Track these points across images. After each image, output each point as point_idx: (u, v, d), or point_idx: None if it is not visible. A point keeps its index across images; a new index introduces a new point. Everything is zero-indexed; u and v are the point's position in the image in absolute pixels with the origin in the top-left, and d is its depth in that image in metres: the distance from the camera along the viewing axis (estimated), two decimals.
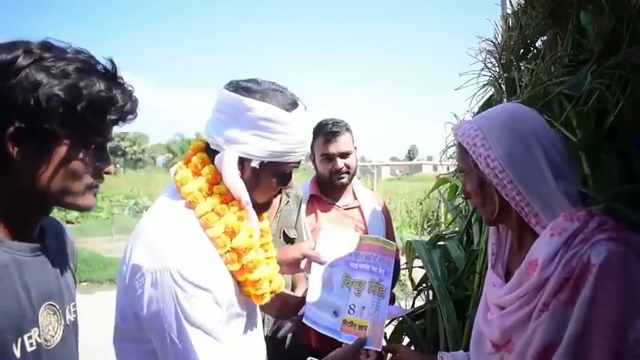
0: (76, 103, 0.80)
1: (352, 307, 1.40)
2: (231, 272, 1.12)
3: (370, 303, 1.39)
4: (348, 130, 2.17)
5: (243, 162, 1.11)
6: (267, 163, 1.12)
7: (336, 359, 1.29)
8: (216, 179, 1.12)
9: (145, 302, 1.00)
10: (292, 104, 1.13)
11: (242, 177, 1.11)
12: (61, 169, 0.83)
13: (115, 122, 0.89)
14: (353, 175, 2.25)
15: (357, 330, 1.36)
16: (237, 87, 1.12)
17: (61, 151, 0.83)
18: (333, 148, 2.13)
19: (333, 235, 1.57)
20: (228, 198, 1.12)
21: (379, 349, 1.40)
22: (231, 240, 1.09)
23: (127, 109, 0.89)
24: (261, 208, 1.20)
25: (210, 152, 1.15)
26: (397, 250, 1.51)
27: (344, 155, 2.15)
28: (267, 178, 1.14)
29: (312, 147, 2.22)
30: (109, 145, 0.94)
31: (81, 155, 0.85)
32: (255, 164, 1.11)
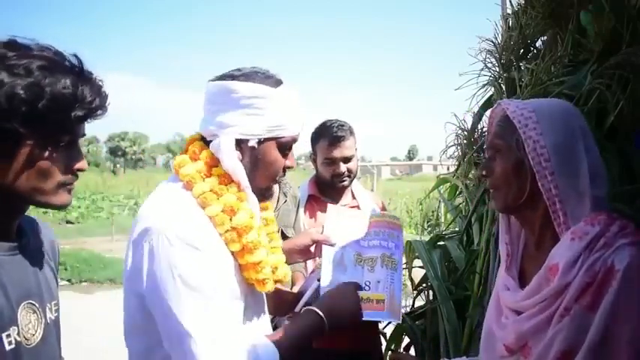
0: (38, 102, 0.79)
1: (367, 283, 1.40)
2: (233, 255, 1.11)
3: (385, 276, 1.40)
4: (352, 133, 2.17)
5: (240, 145, 1.12)
6: (265, 139, 1.12)
7: (334, 299, 1.28)
8: (215, 162, 1.12)
9: (144, 274, 1.00)
10: (277, 82, 1.14)
11: (242, 161, 1.12)
12: (29, 168, 0.82)
13: (83, 119, 0.87)
14: (354, 178, 2.25)
15: (374, 305, 1.36)
16: (220, 77, 1.15)
17: (26, 150, 0.81)
18: (337, 153, 2.13)
19: (339, 217, 1.60)
20: (227, 180, 1.12)
21: (399, 321, 1.43)
22: (230, 219, 1.08)
23: (94, 105, 0.86)
24: (263, 194, 1.19)
25: (206, 142, 1.16)
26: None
27: (347, 160, 2.15)
28: (269, 154, 1.14)
29: (314, 148, 2.22)
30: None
31: (48, 154, 0.83)
32: (252, 143, 1.11)
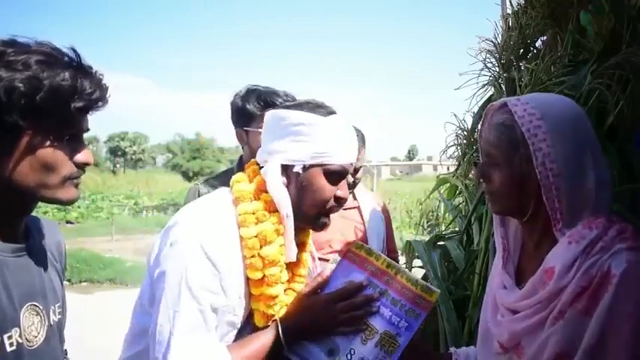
0: (36, 94, 0.79)
1: (352, 352, 1.10)
2: (247, 283, 1.10)
3: (373, 358, 1.08)
4: (364, 143, 2.16)
5: (287, 170, 1.13)
6: (310, 166, 1.12)
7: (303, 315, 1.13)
8: (264, 188, 1.14)
9: (160, 260, 1.04)
10: (328, 112, 1.16)
11: (288, 187, 1.13)
12: (32, 162, 0.82)
13: (83, 110, 0.86)
14: (355, 185, 2.23)
15: None
16: (278, 107, 1.20)
17: (28, 143, 0.81)
18: None
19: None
20: (272, 208, 1.12)
21: None
22: (261, 247, 1.09)
23: (95, 97, 0.86)
24: (312, 222, 1.17)
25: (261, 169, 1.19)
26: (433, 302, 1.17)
27: (356, 170, 2.13)
28: (315, 181, 1.13)
29: None
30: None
31: (50, 146, 0.83)
32: (297, 169, 1.12)
